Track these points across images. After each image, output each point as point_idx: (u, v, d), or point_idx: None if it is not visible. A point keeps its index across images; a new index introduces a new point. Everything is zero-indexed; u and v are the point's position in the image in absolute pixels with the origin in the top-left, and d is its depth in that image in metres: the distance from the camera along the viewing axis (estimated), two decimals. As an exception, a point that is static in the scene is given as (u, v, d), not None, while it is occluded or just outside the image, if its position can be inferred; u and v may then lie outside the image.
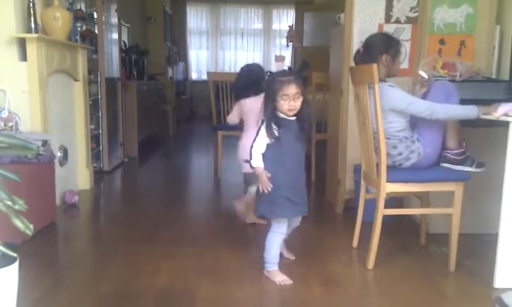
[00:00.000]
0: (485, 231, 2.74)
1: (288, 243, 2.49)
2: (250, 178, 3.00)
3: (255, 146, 2.15)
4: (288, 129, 2.13)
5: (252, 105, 2.82)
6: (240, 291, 2.12)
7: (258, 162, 2.14)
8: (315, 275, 2.27)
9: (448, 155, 2.34)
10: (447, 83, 2.40)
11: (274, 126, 2.11)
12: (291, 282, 2.17)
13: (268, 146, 2.14)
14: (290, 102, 2.09)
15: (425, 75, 2.49)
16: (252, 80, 2.99)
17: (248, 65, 3.21)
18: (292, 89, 2.08)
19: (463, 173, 2.28)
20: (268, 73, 7.40)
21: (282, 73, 2.26)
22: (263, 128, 2.14)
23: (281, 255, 2.31)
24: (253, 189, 2.99)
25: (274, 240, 2.22)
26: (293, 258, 2.46)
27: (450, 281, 2.28)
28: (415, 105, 2.23)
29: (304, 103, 2.14)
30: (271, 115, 2.12)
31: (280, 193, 2.13)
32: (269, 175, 2.11)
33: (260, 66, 3.18)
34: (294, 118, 2.15)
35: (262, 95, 2.24)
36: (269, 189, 2.10)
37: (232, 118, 3.11)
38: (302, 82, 2.14)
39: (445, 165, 2.34)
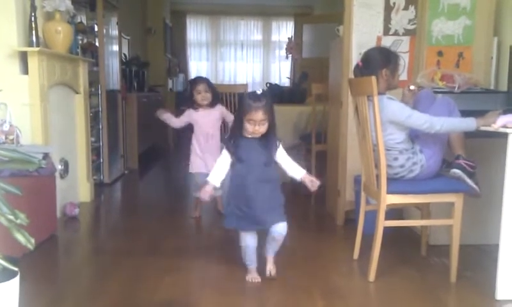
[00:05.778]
0: (486, 241, 2.74)
1: (289, 255, 2.49)
2: None
3: (217, 162, 2.28)
4: (250, 147, 2.20)
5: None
6: (242, 303, 2.12)
7: (211, 177, 2.26)
8: (317, 288, 2.26)
9: (461, 162, 2.27)
10: (449, 99, 2.39)
11: (233, 144, 2.21)
12: (259, 280, 2.26)
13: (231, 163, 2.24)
14: (255, 126, 2.16)
15: (413, 88, 2.51)
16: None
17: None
18: (258, 116, 2.15)
19: (463, 184, 2.25)
20: (267, 85, 7.35)
21: (253, 96, 2.20)
22: (224, 150, 2.25)
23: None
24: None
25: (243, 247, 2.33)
26: (272, 274, 2.33)
27: (451, 293, 2.27)
28: (413, 117, 2.22)
29: (270, 128, 2.21)
30: (232, 134, 2.25)
31: (230, 208, 2.25)
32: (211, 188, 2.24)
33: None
34: (256, 136, 2.20)
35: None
36: (207, 199, 2.25)
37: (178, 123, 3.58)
38: (271, 108, 2.19)
39: (457, 171, 2.25)
